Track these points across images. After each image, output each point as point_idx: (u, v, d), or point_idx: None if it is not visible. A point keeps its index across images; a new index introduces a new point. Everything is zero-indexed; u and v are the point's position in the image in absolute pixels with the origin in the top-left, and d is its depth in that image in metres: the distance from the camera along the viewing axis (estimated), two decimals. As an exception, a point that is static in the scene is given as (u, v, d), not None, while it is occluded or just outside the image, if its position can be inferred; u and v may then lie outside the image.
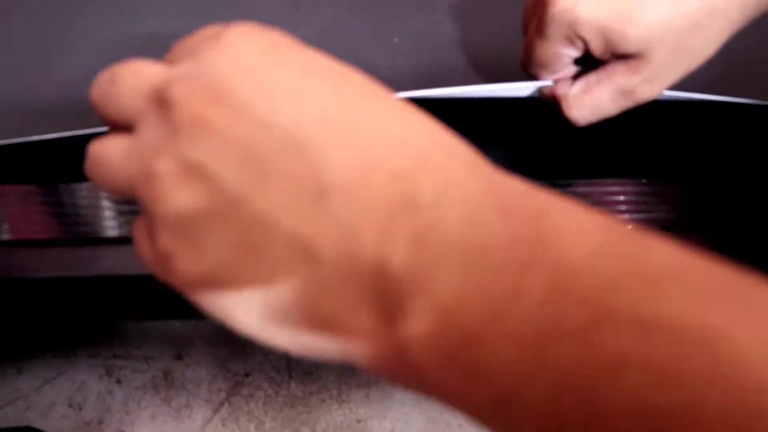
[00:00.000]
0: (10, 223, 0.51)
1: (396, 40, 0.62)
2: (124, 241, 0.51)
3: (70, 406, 0.80)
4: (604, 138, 0.59)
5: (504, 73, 0.50)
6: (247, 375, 0.84)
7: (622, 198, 0.57)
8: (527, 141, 0.60)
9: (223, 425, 0.79)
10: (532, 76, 0.50)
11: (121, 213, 0.52)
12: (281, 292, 0.24)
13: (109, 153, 0.26)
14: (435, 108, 0.52)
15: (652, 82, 0.45)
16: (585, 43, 0.44)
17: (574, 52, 0.46)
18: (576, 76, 0.48)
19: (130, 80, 0.26)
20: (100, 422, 0.79)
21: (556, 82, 0.49)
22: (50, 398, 0.80)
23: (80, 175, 0.51)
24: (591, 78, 0.47)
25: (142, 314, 0.86)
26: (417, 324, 0.22)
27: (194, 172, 0.24)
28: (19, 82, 0.52)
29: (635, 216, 0.56)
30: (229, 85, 0.24)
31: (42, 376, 0.82)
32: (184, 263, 0.25)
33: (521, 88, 0.51)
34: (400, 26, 0.63)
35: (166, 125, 0.24)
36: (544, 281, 0.21)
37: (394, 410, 0.82)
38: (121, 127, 0.27)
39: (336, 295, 0.23)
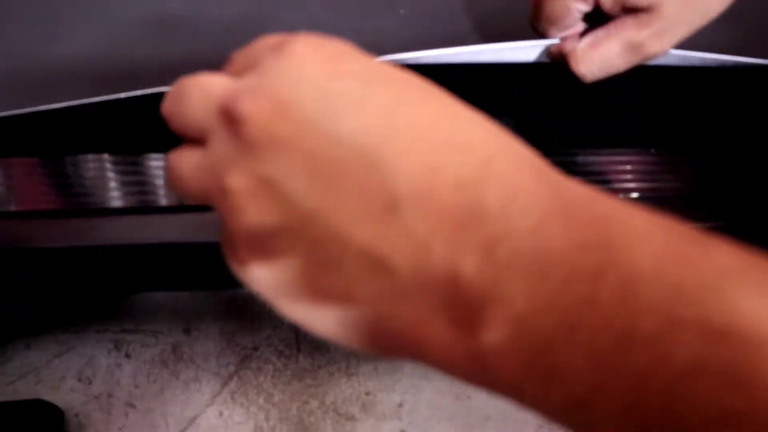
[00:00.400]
0: (16, 194, 0.52)
1: (402, 11, 0.62)
2: (129, 211, 0.51)
3: (79, 380, 0.80)
4: (611, 107, 0.58)
5: (513, 39, 0.50)
6: (255, 349, 0.84)
7: (629, 167, 0.56)
8: (534, 109, 0.60)
9: (231, 398, 0.80)
10: (540, 35, 0.49)
11: (125, 184, 0.52)
12: (355, 303, 0.25)
13: (184, 165, 0.27)
14: (438, 75, 0.51)
15: (661, 37, 0.44)
16: None
17: (584, 6, 0.45)
18: (583, 34, 0.47)
19: (198, 95, 0.27)
20: (110, 395, 0.79)
21: (563, 39, 0.48)
22: (60, 372, 0.81)
23: (84, 147, 0.51)
24: (600, 33, 0.46)
25: (148, 284, 0.86)
26: (492, 333, 0.22)
27: (265, 187, 0.24)
28: (24, 52, 0.52)
29: (643, 185, 0.56)
30: (294, 100, 0.24)
31: (51, 351, 0.82)
32: (260, 273, 0.26)
33: (529, 47, 0.50)
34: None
35: (235, 141, 0.25)
36: (614, 289, 0.21)
37: (403, 383, 0.82)
38: (194, 139, 0.27)
39: (410, 305, 0.24)
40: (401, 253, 0.23)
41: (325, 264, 0.24)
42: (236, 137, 0.25)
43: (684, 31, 0.44)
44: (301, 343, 0.85)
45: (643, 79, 0.52)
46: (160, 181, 0.52)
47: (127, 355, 0.82)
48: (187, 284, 0.86)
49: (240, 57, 0.29)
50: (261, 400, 0.80)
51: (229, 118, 0.25)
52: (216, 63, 0.53)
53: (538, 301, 0.22)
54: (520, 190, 0.23)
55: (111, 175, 0.52)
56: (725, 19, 0.49)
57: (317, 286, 0.25)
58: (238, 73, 0.27)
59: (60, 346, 0.83)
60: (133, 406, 0.79)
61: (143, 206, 0.51)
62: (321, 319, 0.26)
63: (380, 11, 0.61)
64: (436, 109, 0.25)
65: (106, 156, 0.53)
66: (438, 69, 0.52)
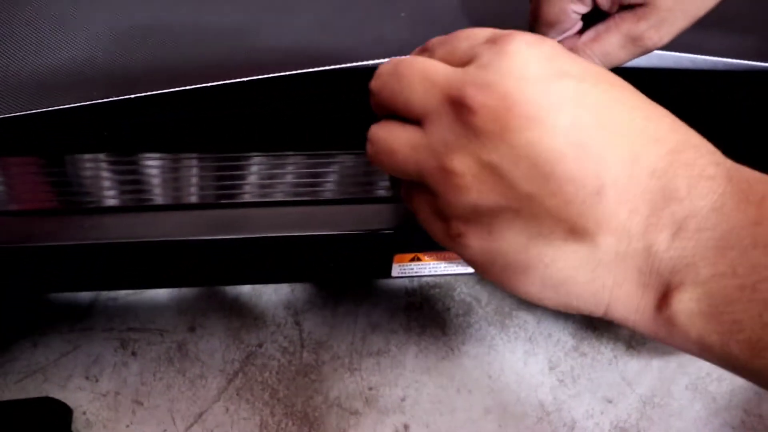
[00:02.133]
0: (18, 193, 0.52)
1: (403, 14, 0.63)
2: (131, 209, 0.52)
3: (86, 378, 0.81)
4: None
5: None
6: (260, 345, 0.85)
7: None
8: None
9: (237, 394, 0.81)
10: None
11: (123, 183, 0.53)
12: (559, 268, 0.29)
13: (397, 142, 0.31)
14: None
15: (659, 28, 0.46)
16: None
17: (582, 8, 0.46)
18: (582, 32, 0.48)
19: (419, 78, 0.31)
20: (117, 393, 0.80)
21: (562, 42, 0.49)
22: (67, 371, 0.81)
23: (84, 147, 0.52)
24: (600, 27, 0.47)
25: (153, 282, 0.87)
26: (681, 296, 0.27)
27: (490, 172, 0.28)
28: (22, 58, 0.53)
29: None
30: (519, 96, 0.28)
31: (58, 350, 0.83)
32: (475, 242, 0.30)
33: None
34: (406, 1, 0.64)
35: (462, 128, 0.28)
36: None
37: (406, 377, 0.83)
38: (404, 117, 0.32)
39: (608, 271, 0.29)
40: (606, 229, 0.28)
41: (537, 237, 0.29)
42: (463, 125, 0.28)
43: (682, 22, 0.46)
44: (304, 340, 0.86)
45: (635, 83, 0.53)
46: (163, 180, 0.53)
47: (134, 353, 0.83)
48: (191, 282, 0.87)
49: (446, 46, 0.32)
50: (266, 396, 0.81)
51: (459, 107, 0.28)
52: (212, 67, 0.54)
53: (721, 267, 0.27)
54: (702, 175, 0.28)
55: (109, 174, 0.53)
56: (717, 21, 0.50)
57: (527, 255, 0.30)
58: (452, 62, 0.31)
59: (67, 344, 0.84)
60: (140, 403, 0.80)
61: (148, 204, 0.53)
62: (525, 283, 0.30)
63: (381, 15, 0.62)
64: (633, 105, 0.30)
65: (102, 156, 0.54)
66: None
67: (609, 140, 0.28)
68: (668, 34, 0.46)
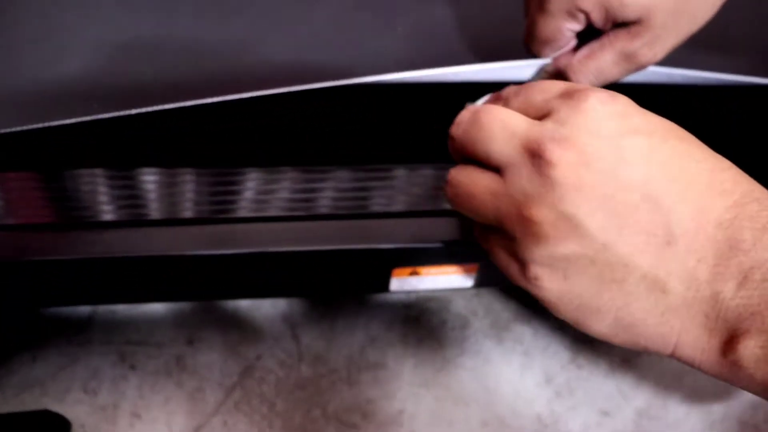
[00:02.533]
0: (16, 207, 0.53)
1: (400, 29, 0.63)
2: (129, 224, 0.52)
3: (85, 391, 0.81)
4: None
5: (507, 58, 0.51)
6: (258, 358, 0.85)
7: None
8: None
9: (235, 407, 0.81)
10: (534, 55, 0.51)
11: (119, 198, 0.53)
12: (631, 311, 0.31)
13: (477, 188, 0.34)
14: (436, 94, 0.53)
15: (653, 46, 0.46)
16: (586, 14, 0.46)
17: (576, 26, 0.47)
18: (577, 49, 0.49)
19: (499, 129, 0.33)
20: (115, 406, 0.80)
21: (556, 59, 0.49)
22: (65, 384, 0.82)
23: (80, 161, 0.53)
24: (594, 44, 0.48)
25: (150, 296, 0.87)
26: (748, 343, 0.29)
27: (567, 221, 0.30)
28: (16, 71, 0.53)
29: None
30: (595, 152, 0.30)
31: (57, 363, 0.83)
32: (551, 284, 0.32)
33: (525, 66, 0.51)
34: (402, 16, 0.64)
35: (541, 179, 0.31)
36: None
37: (404, 391, 0.84)
38: (483, 164, 0.34)
39: (676, 316, 0.31)
40: (675, 277, 0.30)
41: (611, 283, 0.31)
42: (542, 176, 0.30)
43: (675, 39, 0.46)
44: (302, 353, 0.86)
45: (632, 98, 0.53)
46: (161, 196, 0.54)
47: (132, 367, 0.84)
48: (189, 296, 0.87)
49: (521, 98, 0.35)
50: (264, 409, 0.81)
51: (538, 159, 0.31)
52: (208, 83, 0.55)
53: None
54: (766, 227, 0.29)
55: (106, 189, 0.53)
56: (709, 37, 0.50)
57: (600, 299, 0.32)
58: (529, 114, 0.33)
59: (65, 358, 0.84)
60: (138, 416, 0.80)
61: (145, 219, 0.53)
62: (597, 323, 0.32)
63: (379, 30, 0.62)
64: (700, 158, 0.31)
65: (108, 172, 0.54)
66: (436, 87, 0.53)
67: (678, 193, 0.30)
68: (662, 50, 0.46)
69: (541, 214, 0.30)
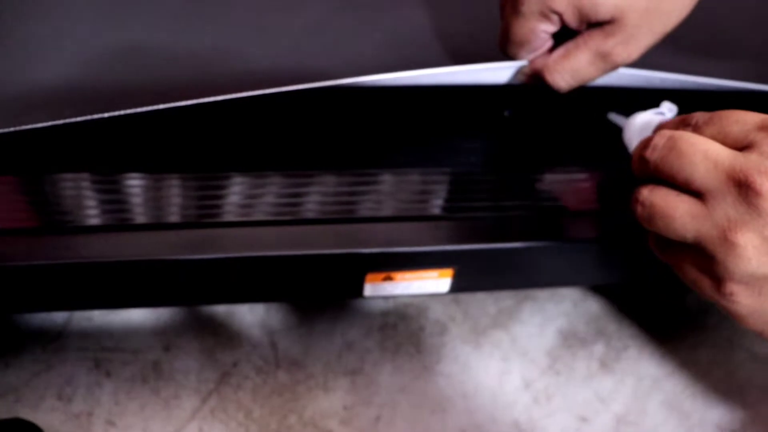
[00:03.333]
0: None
1: (379, 34, 0.63)
2: (107, 229, 0.52)
3: (59, 398, 0.80)
4: (579, 127, 0.60)
5: (485, 61, 0.51)
6: (234, 365, 0.85)
7: (601, 186, 0.58)
8: (506, 128, 0.61)
9: (212, 414, 0.80)
10: (510, 58, 0.51)
11: (103, 202, 0.53)
12: None
13: (675, 210, 0.36)
14: (414, 96, 0.53)
15: (627, 45, 0.47)
16: (559, 15, 0.46)
17: (550, 27, 0.47)
18: (552, 50, 0.49)
19: (701, 158, 0.35)
20: (90, 414, 0.80)
21: (532, 61, 0.49)
22: (39, 391, 0.81)
23: (59, 165, 0.52)
24: (569, 45, 0.48)
25: (124, 301, 0.86)
26: None
27: None
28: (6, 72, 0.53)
29: (615, 204, 0.57)
30: None
31: (30, 370, 0.82)
32: (746, 300, 0.35)
33: (501, 68, 0.52)
34: (380, 21, 0.65)
35: (746, 207, 0.34)
36: None
37: (381, 396, 0.83)
38: (681, 188, 0.37)
39: None
40: None
41: None
42: (749, 205, 0.33)
43: (649, 38, 0.47)
44: (279, 359, 0.85)
45: (609, 101, 0.53)
46: (137, 200, 0.54)
47: (108, 373, 0.83)
48: (165, 301, 0.86)
49: (715, 127, 0.38)
50: (241, 416, 0.81)
51: (744, 188, 0.33)
52: (190, 86, 0.55)
53: None
54: None
55: (88, 193, 0.53)
56: (688, 40, 0.50)
57: None
58: (726, 144, 0.36)
59: (39, 364, 0.83)
60: (113, 424, 0.79)
61: (121, 224, 0.52)
62: None
63: (358, 35, 0.63)
64: None
65: (84, 175, 0.54)
66: (414, 90, 0.53)
67: None
68: (636, 50, 0.47)
69: (745, 237, 0.33)
